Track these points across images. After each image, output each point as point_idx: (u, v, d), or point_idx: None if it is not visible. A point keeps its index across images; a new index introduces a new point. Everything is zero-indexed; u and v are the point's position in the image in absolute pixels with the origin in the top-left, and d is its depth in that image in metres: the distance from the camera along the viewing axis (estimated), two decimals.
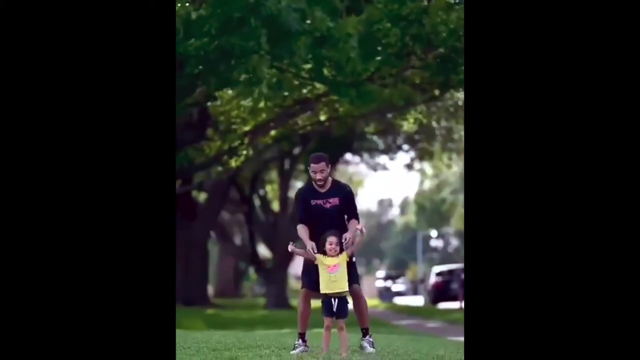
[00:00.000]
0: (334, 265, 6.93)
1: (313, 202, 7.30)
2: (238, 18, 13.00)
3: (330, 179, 7.38)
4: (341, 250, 7.00)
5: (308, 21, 13.68)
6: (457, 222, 59.66)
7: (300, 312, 7.48)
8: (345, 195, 7.37)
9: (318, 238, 7.09)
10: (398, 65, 16.42)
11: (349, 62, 14.15)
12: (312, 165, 7.29)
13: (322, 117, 21.64)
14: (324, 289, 6.92)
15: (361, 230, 7.15)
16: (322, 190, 7.31)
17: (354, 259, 7.27)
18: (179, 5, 13.25)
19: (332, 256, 6.95)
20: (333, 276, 6.92)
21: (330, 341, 7.08)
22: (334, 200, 7.28)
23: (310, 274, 7.21)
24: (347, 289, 6.98)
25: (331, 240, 6.96)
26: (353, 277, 7.21)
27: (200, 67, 13.94)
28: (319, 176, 7.23)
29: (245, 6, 12.74)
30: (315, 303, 7.20)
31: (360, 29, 14.10)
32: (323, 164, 7.26)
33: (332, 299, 6.92)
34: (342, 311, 6.94)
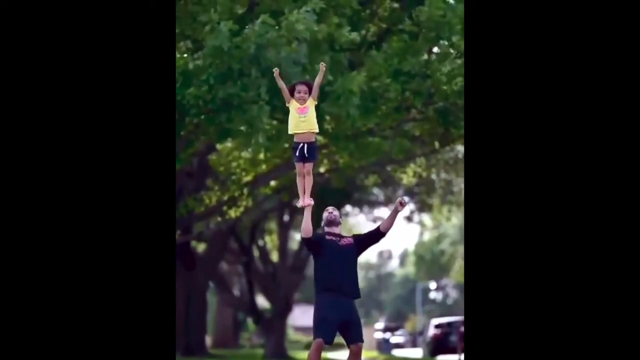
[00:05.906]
0: (304, 108, 7.44)
1: (328, 237, 7.56)
2: (238, 69, 13.06)
3: None
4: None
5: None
6: (456, 274, 59.44)
7: None
8: (355, 235, 7.75)
9: (334, 277, 7.31)
10: (397, 119, 16.50)
11: (349, 118, 14.20)
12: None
13: (322, 169, 21.71)
14: (293, 129, 7.48)
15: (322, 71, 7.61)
16: (336, 232, 7.65)
17: (361, 320, 7.46)
18: (177, 55, 13.28)
19: (301, 100, 7.47)
20: (303, 117, 7.43)
21: (304, 188, 7.51)
22: (348, 240, 7.57)
23: (325, 325, 7.20)
24: (316, 128, 7.57)
25: (299, 89, 7.50)
26: (357, 333, 7.36)
27: (202, 116, 13.96)
28: (335, 212, 7.76)
29: (245, 57, 12.80)
30: (325, 355, 7.06)
31: (363, 85, 14.14)
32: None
33: (302, 144, 7.44)
34: (311, 154, 7.51)
